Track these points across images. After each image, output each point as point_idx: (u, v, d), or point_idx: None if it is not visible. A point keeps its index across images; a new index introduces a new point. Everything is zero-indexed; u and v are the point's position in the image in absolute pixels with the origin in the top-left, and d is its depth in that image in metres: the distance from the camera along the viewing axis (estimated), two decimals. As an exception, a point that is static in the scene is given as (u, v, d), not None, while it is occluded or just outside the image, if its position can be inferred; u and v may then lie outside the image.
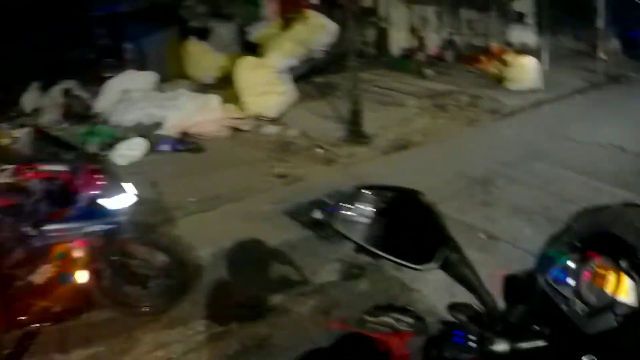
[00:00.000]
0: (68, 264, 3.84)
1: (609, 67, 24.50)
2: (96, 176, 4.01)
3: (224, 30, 15.12)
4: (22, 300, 3.80)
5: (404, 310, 1.39)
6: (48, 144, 4.18)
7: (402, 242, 1.37)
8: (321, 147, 8.60)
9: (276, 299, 4.68)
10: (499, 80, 15.16)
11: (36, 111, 11.21)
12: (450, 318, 1.40)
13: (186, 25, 15.03)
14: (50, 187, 3.91)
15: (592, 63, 23.56)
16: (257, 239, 5.69)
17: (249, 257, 5.42)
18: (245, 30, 15.27)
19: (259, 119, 10.09)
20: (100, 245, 4.01)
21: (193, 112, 9.48)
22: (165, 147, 8.75)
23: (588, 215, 1.54)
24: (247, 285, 4.84)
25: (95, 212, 3.92)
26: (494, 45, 22.75)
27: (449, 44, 20.35)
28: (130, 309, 4.39)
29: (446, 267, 1.33)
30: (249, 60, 10.89)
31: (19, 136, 8.84)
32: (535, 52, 17.43)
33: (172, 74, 12.90)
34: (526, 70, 14.96)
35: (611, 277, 1.34)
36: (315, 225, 6.06)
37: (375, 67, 15.30)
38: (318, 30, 13.02)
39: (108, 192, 3.99)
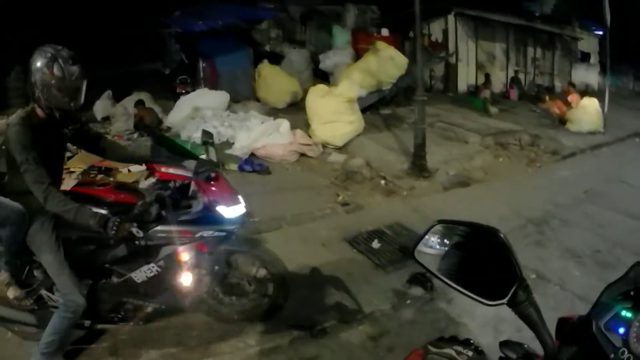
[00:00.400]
0: (173, 266, 3.97)
1: None
2: (214, 184, 4.11)
3: (296, 56, 15.38)
4: (118, 296, 3.98)
5: (466, 343, 1.40)
6: (166, 148, 4.25)
7: (476, 277, 1.40)
8: (384, 178, 8.82)
9: (328, 322, 4.81)
10: (560, 121, 15.23)
11: (106, 119, 11.58)
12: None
13: (260, 48, 15.46)
14: (166, 189, 4.02)
15: None
16: (315, 263, 5.86)
17: (306, 279, 5.56)
18: (318, 58, 15.71)
19: (325, 146, 10.31)
20: (208, 252, 4.13)
21: (262, 135, 9.72)
22: (234, 167, 8.93)
23: None
24: (302, 306, 4.90)
25: (210, 218, 3.99)
26: (560, 85, 22.75)
27: (513, 81, 20.30)
28: (222, 317, 4.54)
29: (513, 304, 1.34)
30: (319, 88, 11.16)
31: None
32: (597, 94, 17.28)
33: (244, 95, 13.27)
34: (588, 112, 14.92)
35: None
36: (372, 253, 6.25)
37: (441, 101, 15.58)
38: (388, 63, 13.39)
39: (224, 201, 4.05)
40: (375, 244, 6.49)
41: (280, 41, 16.93)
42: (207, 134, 4.72)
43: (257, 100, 13.40)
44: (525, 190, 9.29)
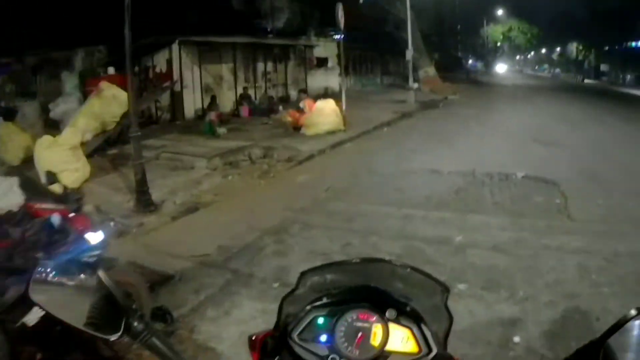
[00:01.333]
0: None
1: (423, 96, 26.67)
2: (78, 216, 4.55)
3: (28, 109, 14.86)
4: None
5: None
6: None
7: (91, 314, 1.28)
8: (113, 220, 8.62)
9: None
10: (295, 128, 15.87)
11: None
12: None
13: (-5, 106, 14.50)
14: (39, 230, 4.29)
15: (405, 94, 25.60)
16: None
17: None
18: (49, 107, 15.24)
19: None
20: None
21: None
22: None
23: (324, 272, 1.52)
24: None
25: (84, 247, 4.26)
26: (295, 94, 23.92)
27: (243, 98, 20.91)
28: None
29: (134, 336, 1.26)
30: (45, 139, 10.56)
31: None
32: (338, 95, 18.33)
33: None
34: (324, 114, 15.72)
35: (377, 329, 1.35)
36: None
37: (169, 131, 15.47)
38: (111, 102, 13.14)
39: (89, 229, 4.43)
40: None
41: (14, 95, 16.07)
42: None
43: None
44: (260, 203, 9.42)
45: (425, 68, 33.23)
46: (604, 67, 62.60)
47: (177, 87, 18.58)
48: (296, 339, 1.35)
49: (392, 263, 1.52)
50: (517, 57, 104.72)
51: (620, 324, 1.14)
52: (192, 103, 19.21)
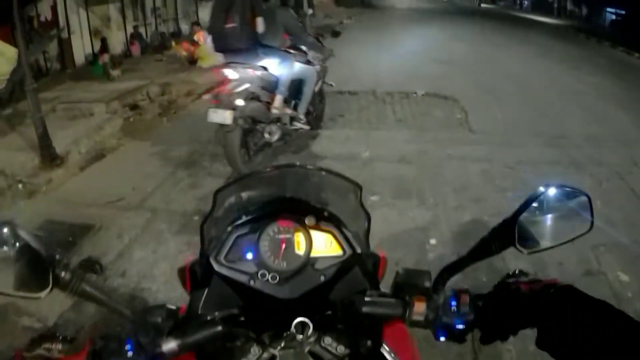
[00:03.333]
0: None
1: (318, 21, 26.54)
2: None
3: None
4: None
5: (53, 337, 1.20)
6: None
7: (17, 274, 1.22)
8: (21, 182, 8.53)
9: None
10: (191, 62, 15.76)
11: None
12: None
13: None
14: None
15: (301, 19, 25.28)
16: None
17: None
18: None
19: None
20: None
21: None
22: None
23: (237, 188, 1.57)
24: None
25: None
26: (186, 28, 23.41)
27: (133, 37, 20.38)
28: None
29: (63, 287, 1.21)
30: None
31: None
32: None
33: None
34: None
35: (299, 238, 1.38)
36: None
37: (61, 81, 14.98)
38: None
39: None
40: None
41: None
42: None
43: None
44: (166, 140, 9.45)
45: None
46: None
47: (64, 34, 17.91)
48: (223, 262, 1.38)
49: (304, 167, 1.61)
50: None
51: (529, 201, 1.27)
52: (81, 49, 18.46)
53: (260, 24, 6.95)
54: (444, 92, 11.16)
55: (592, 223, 1.31)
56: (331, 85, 9.46)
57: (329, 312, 1.34)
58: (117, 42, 19.95)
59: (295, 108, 7.89)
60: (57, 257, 1.20)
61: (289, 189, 1.51)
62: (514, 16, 40.98)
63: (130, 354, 1.14)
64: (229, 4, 6.98)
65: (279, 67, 7.31)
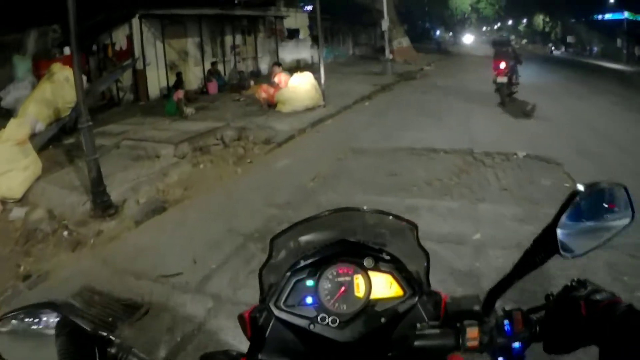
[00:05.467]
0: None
1: (398, 67, 25.60)
2: None
3: None
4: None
5: None
6: None
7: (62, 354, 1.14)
8: (67, 228, 7.29)
9: None
10: (269, 105, 14.56)
11: None
12: None
13: None
14: None
15: (380, 66, 24.51)
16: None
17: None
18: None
19: (5, 202, 8.31)
20: None
21: None
22: None
23: (294, 234, 1.52)
24: None
25: None
26: (266, 67, 22.65)
27: (211, 74, 19.53)
28: None
29: None
30: None
31: None
32: (312, 67, 17.12)
33: None
34: (301, 88, 14.45)
35: (359, 280, 1.38)
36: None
37: (131, 114, 14.24)
38: (64, 86, 11.71)
39: None
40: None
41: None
42: None
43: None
44: (238, 197, 8.12)
45: (399, 38, 32.09)
46: (570, 39, 63.55)
47: (139, 65, 17.16)
48: (283, 307, 1.38)
49: (359, 210, 1.55)
50: (484, 28, 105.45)
51: (566, 205, 1.18)
52: (156, 81, 17.78)
53: None
54: (541, 151, 9.69)
55: (632, 213, 1.22)
56: None
57: (390, 354, 1.31)
58: (193, 78, 19.19)
59: None
60: (102, 336, 1.17)
61: (345, 232, 1.50)
62: (584, 63, 39.91)
63: None
64: None
65: None
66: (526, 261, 1.21)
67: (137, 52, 17.18)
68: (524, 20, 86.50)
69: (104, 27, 16.95)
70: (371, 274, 1.38)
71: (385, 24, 24.58)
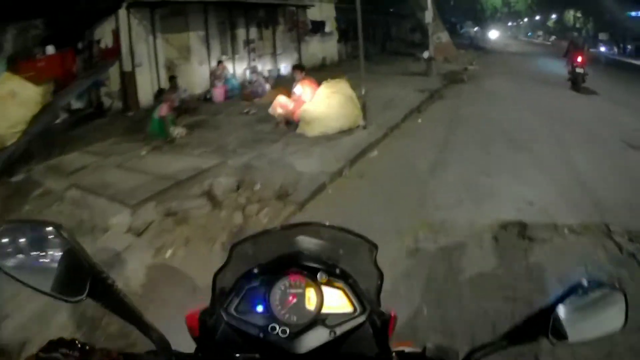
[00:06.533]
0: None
1: (440, 66, 21.92)
2: None
3: None
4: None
5: (71, 344, 1.15)
6: None
7: (56, 276, 1.19)
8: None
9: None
10: (288, 123, 10.81)
11: None
12: None
13: None
14: None
15: (420, 65, 21.28)
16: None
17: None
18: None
19: None
20: None
21: None
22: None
23: (253, 242, 1.52)
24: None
25: None
26: (285, 66, 19.01)
27: (216, 77, 15.85)
28: None
29: (97, 298, 1.21)
30: None
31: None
32: (339, 66, 13.32)
33: None
34: (335, 102, 10.46)
35: (310, 293, 1.36)
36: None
37: (113, 131, 11.07)
38: (6, 102, 9.16)
39: None
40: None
41: None
42: None
43: None
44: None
45: (438, 33, 27.53)
46: (602, 36, 59.52)
47: (127, 66, 13.61)
48: (233, 313, 1.36)
49: (319, 224, 1.55)
50: (509, 23, 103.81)
51: (567, 294, 1.23)
52: (149, 86, 14.17)
53: None
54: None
55: (625, 321, 1.25)
56: None
57: None
58: (198, 80, 15.58)
59: None
60: (97, 268, 1.22)
61: (302, 245, 1.49)
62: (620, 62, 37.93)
63: None
64: None
65: None
66: (515, 333, 1.26)
67: (124, 49, 13.62)
68: (553, 16, 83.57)
69: (91, 20, 13.50)
70: (323, 287, 1.35)
71: (429, 15, 20.72)
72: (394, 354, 1.33)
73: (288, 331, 1.29)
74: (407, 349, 1.36)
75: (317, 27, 23.69)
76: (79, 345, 1.15)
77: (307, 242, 1.48)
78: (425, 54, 21.42)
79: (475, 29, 72.27)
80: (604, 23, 60.42)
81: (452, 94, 17.00)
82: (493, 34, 79.20)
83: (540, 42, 78.23)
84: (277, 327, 1.29)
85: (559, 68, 20.52)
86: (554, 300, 1.21)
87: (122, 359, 1.17)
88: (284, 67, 19.87)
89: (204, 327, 1.38)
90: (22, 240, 1.21)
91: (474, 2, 70.45)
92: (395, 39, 35.23)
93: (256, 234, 1.50)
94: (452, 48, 29.27)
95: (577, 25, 70.39)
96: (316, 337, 1.30)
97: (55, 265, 1.18)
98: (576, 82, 17.45)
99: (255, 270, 1.40)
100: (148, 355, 1.23)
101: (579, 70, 17.43)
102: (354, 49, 26.69)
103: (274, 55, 20.41)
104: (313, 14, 23.36)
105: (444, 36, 28.81)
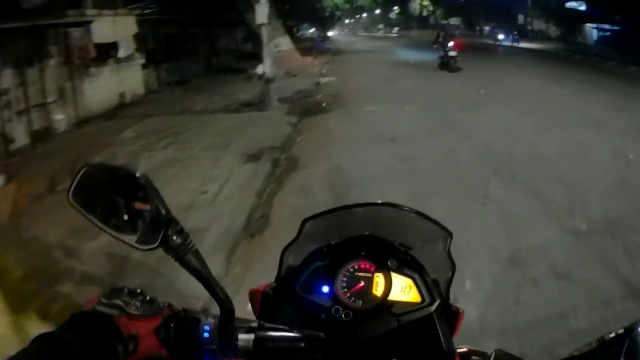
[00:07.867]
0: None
1: (281, 83, 15.96)
2: None
3: None
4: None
5: (134, 293, 1.11)
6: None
7: (129, 221, 1.13)
8: None
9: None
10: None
11: None
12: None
13: None
14: None
15: (252, 86, 16.18)
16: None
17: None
18: None
19: None
20: None
21: None
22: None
23: (325, 220, 1.46)
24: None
25: None
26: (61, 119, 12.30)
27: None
28: None
29: (169, 249, 1.10)
30: None
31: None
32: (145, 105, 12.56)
33: None
34: None
35: (379, 279, 1.33)
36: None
37: None
38: None
39: None
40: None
41: None
42: None
43: None
44: None
45: (276, 39, 21.19)
46: (454, 21, 64.17)
47: None
48: (298, 290, 1.34)
49: (396, 206, 1.47)
50: (346, 21, 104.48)
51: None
52: None
53: None
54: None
55: None
56: None
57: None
58: None
59: None
60: (174, 218, 1.14)
61: (376, 226, 1.46)
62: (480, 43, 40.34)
63: (205, 335, 1.12)
64: None
65: None
66: (586, 355, 1.10)
67: None
68: (395, 8, 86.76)
69: None
70: (393, 275, 1.33)
71: (261, 13, 14.18)
72: (457, 353, 1.26)
73: (352, 315, 1.27)
74: (471, 349, 1.28)
75: (106, 51, 16.39)
76: (141, 296, 1.12)
77: (379, 224, 1.43)
78: (259, 69, 16.33)
79: (312, 30, 70.11)
80: (453, 9, 65.91)
81: (313, 154, 9.86)
82: (331, 33, 78.67)
83: (382, 35, 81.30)
84: (341, 310, 1.27)
85: (422, 56, 23.84)
86: (632, 325, 1.02)
87: (184, 315, 1.13)
88: (60, 120, 13.21)
89: (266, 303, 1.35)
90: (101, 182, 1.16)
91: (314, 2, 67.23)
92: (224, 52, 28.76)
93: (328, 210, 1.43)
94: (297, 57, 23.77)
95: (425, 14, 74.78)
96: (380, 324, 1.27)
97: (130, 210, 1.12)
98: (448, 64, 21.55)
99: (325, 250, 1.38)
100: (211, 315, 1.13)
101: (452, 53, 21.51)
102: (169, 73, 20.22)
103: (44, 106, 13.42)
104: (101, 33, 16.15)
105: (284, 42, 23.01)
